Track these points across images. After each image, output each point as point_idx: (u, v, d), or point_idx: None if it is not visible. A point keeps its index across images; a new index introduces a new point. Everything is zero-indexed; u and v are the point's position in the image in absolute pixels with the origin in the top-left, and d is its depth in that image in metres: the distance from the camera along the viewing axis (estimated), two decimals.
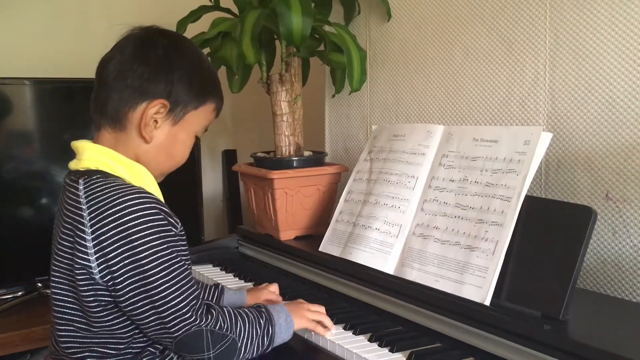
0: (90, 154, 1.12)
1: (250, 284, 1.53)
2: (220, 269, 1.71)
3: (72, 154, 1.17)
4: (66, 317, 1.11)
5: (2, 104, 1.96)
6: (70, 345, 1.11)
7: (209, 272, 1.68)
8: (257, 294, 1.39)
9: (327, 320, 1.23)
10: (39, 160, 2.03)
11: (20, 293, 1.99)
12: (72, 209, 1.08)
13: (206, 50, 1.76)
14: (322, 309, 1.25)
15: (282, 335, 1.16)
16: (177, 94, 1.13)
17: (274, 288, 1.42)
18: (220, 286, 1.40)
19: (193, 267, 1.68)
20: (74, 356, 1.11)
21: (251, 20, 1.59)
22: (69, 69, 2.13)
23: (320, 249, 1.51)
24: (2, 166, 1.96)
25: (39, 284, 1.98)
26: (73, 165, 1.15)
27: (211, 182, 2.60)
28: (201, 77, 1.18)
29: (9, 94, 1.97)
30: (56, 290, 1.11)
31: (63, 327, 1.11)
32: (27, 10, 2.23)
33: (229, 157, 2.58)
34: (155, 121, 1.13)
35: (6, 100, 1.97)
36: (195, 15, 1.77)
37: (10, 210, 1.98)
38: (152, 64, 1.12)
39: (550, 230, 1.12)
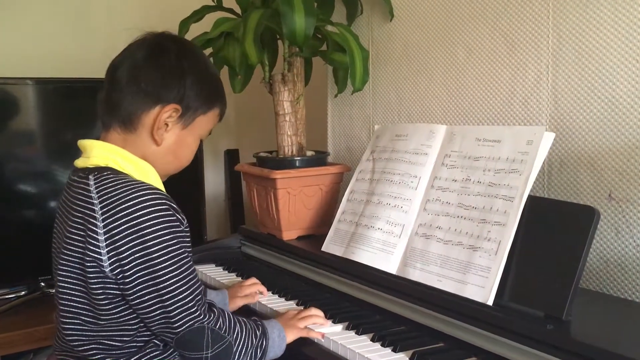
0: (99, 152, 1.15)
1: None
2: (223, 269, 1.71)
3: (74, 153, 1.19)
4: (73, 310, 1.13)
5: (5, 104, 1.97)
6: (76, 338, 1.13)
7: (212, 272, 1.68)
8: (235, 291, 1.45)
9: (320, 319, 1.25)
10: (41, 160, 2.03)
11: (23, 293, 1.99)
12: (83, 204, 1.10)
13: (209, 51, 1.76)
14: (311, 311, 1.27)
15: (274, 350, 1.18)
16: (188, 99, 1.17)
17: (251, 281, 1.48)
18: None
19: (196, 267, 1.69)
20: (79, 349, 1.13)
21: (254, 20, 1.59)
22: (72, 69, 2.13)
23: (323, 248, 1.51)
24: (5, 166, 1.97)
25: (42, 284, 1.98)
26: (80, 162, 1.17)
27: (213, 182, 2.60)
28: (210, 83, 1.22)
29: (12, 93, 1.98)
30: (63, 284, 1.12)
31: (69, 321, 1.13)
32: (30, 10, 2.23)
33: (232, 157, 2.58)
34: (166, 124, 1.16)
35: (9, 100, 1.97)
36: (197, 15, 1.78)
37: (13, 210, 1.98)
38: (165, 70, 1.15)
39: (553, 230, 1.12)
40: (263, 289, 1.47)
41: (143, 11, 2.32)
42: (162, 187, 1.16)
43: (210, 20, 1.76)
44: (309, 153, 1.78)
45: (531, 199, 1.17)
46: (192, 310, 1.08)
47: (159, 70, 1.15)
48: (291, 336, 1.21)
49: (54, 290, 1.16)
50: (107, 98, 1.17)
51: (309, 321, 1.24)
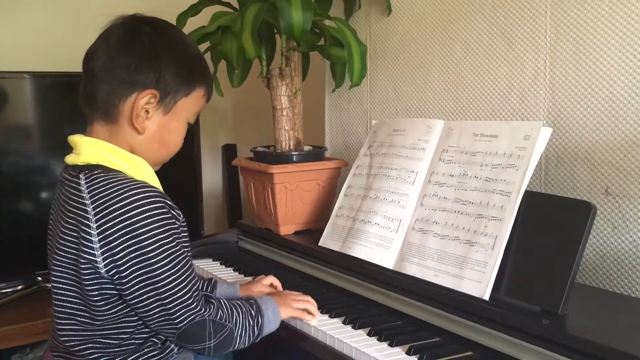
0: (89, 149, 1.12)
1: (249, 278, 1.53)
2: (220, 263, 1.71)
3: (72, 148, 1.17)
4: (68, 311, 1.11)
5: (2, 98, 1.96)
6: (71, 338, 1.12)
7: (209, 267, 1.68)
8: (251, 287, 1.41)
9: (313, 308, 1.26)
10: (38, 154, 2.03)
11: (20, 287, 1.99)
12: (75, 204, 1.08)
13: (206, 45, 1.76)
14: (307, 297, 1.28)
15: (270, 326, 1.19)
16: (166, 83, 1.13)
17: (269, 280, 1.43)
18: (213, 280, 1.41)
19: (193, 262, 1.69)
20: (75, 349, 1.12)
21: (251, 14, 1.59)
22: (69, 63, 2.11)
23: (320, 243, 1.51)
24: (2, 160, 1.96)
25: (39, 278, 1.98)
26: (71, 160, 1.14)
27: (211, 176, 2.60)
28: (188, 63, 1.17)
29: (9, 87, 1.97)
30: (58, 285, 1.11)
31: (64, 322, 1.12)
32: (27, 4, 2.22)
33: (229, 151, 2.58)
34: (147, 111, 1.13)
35: (6, 94, 1.97)
36: (195, 9, 1.77)
37: (10, 204, 1.98)
38: (138, 54, 1.11)
39: (549, 226, 1.12)
40: (277, 283, 1.44)
41: (140, 5, 2.30)
42: (157, 182, 1.15)
43: (208, 14, 1.75)
44: (307, 148, 1.78)
45: (528, 194, 1.17)
46: (192, 306, 1.08)
47: (131, 55, 1.11)
48: (285, 313, 1.22)
49: (50, 285, 1.15)
50: (85, 90, 1.15)
51: (303, 304, 1.25)
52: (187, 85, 1.16)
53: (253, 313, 1.17)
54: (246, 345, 1.15)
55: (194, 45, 1.22)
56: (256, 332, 1.16)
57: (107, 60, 1.12)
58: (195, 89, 1.18)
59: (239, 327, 1.13)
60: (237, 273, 1.62)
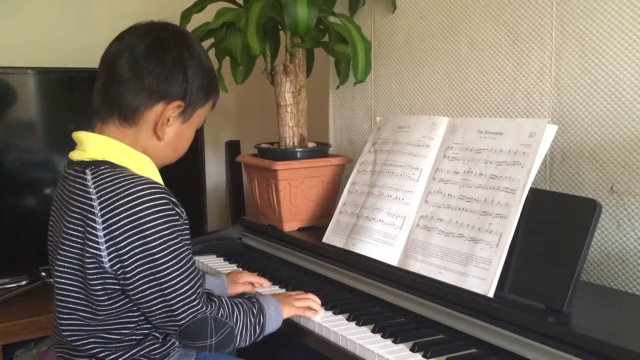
0: (95, 145, 1.13)
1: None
2: (224, 260, 1.71)
3: (75, 144, 1.17)
4: (70, 306, 1.12)
5: (6, 94, 1.96)
6: (73, 333, 1.13)
7: (213, 263, 1.69)
8: (235, 277, 1.46)
9: (316, 305, 1.27)
10: (42, 150, 2.03)
11: (24, 282, 2.00)
12: (80, 199, 1.09)
13: (210, 41, 1.76)
14: (309, 295, 1.29)
15: (272, 324, 1.20)
16: (192, 95, 1.16)
17: (249, 279, 1.49)
18: (201, 272, 1.42)
19: (196, 258, 1.70)
20: (77, 344, 1.13)
21: (256, 10, 1.59)
22: (73, 59, 2.13)
23: (324, 240, 1.51)
24: (6, 156, 1.97)
25: (43, 273, 1.99)
26: (76, 155, 1.15)
27: (215, 173, 2.60)
28: (209, 75, 1.20)
29: (12, 83, 1.97)
30: (60, 280, 1.12)
31: (67, 317, 1.13)
32: None
33: (233, 148, 2.58)
34: (168, 119, 1.15)
35: (9, 90, 1.97)
36: (199, 5, 1.77)
37: (13, 200, 1.98)
38: (168, 65, 1.13)
39: (554, 223, 1.12)
40: (264, 281, 1.48)
41: (145, 0, 2.31)
42: (160, 180, 1.15)
43: (212, 10, 1.75)
44: (311, 144, 1.78)
45: (533, 192, 1.17)
46: (194, 303, 1.08)
47: (161, 64, 1.12)
48: (287, 312, 1.23)
49: (52, 281, 1.16)
50: (104, 91, 1.14)
51: (305, 303, 1.26)
52: (206, 97, 1.20)
53: (255, 311, 1.17)
54: (247, 343, 1.16)
55: (207, 55, 1.24)
56: (258, 330, 1.17)
57: (136, 67, 1.12)
58: (210, 100, 1.21)
59: (239, 325, 1.14)
60: (241, 269, 1.61)
